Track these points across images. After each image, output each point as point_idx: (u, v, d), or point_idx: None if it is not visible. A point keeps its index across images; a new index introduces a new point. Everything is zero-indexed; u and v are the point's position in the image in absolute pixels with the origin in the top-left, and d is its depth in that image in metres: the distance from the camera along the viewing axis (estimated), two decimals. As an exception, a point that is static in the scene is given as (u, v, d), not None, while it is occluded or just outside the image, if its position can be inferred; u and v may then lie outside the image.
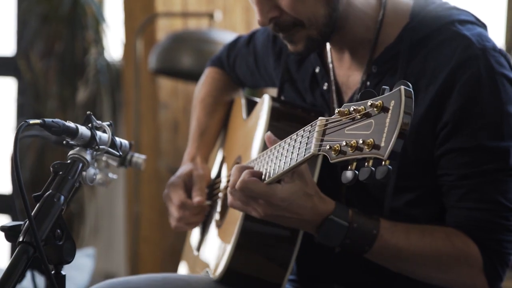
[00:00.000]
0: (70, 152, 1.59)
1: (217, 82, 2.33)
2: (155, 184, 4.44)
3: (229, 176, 2.03)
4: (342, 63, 1.90)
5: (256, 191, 1.63)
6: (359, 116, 1.35)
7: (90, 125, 1.60)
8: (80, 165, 1.58)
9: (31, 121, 1.51)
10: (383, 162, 1.29)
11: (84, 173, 1.60)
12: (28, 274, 2.20)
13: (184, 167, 2.15)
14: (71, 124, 1.56)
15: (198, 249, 2.17)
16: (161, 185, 4.45)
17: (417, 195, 1.80)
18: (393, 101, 1.30)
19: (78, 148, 1.59)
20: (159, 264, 4.46)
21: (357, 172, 1.34)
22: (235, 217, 1.85)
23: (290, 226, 1.70)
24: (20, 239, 1.46)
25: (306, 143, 1.50)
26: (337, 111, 1.39)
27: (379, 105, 1.31)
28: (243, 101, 2.18)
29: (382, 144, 1.28)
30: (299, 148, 1.53)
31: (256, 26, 5.09)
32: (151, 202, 4.46)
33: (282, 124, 1.86)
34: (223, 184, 2.10)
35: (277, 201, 1.62)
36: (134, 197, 4.36)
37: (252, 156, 1.89)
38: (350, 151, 1.34)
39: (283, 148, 1.62)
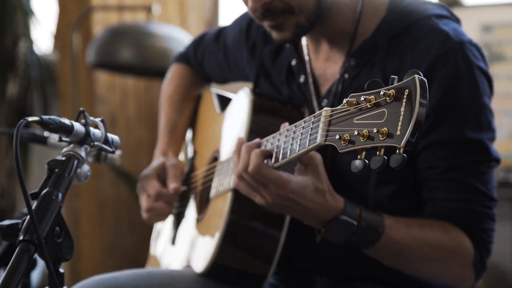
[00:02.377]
0: (64, 149, 1.58)
1: (184, 79, 2.33)
2: (94, 178, 4.39)
3: (208, 169, 2.04)
4: (318, 55, 1.92)
5: (268, 177, 1.61)
6: (369, 106, 1.34)
7: (83, 121, 1.59)
8: (76, 162, 1.57)
9: (30, 119, 1.50)
10: (397, 151, 1.29)
11: (78, 170, 1.59)
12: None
13: (156, 161, 2.15)
14: (66, 121, 1.55)
15: (173, 243, 2.17)
16: (100, 180, 4.41)
17: (397, 188, 1.82)
18: (407, 90, 1.30)
19: (72, 145, 1.58)
20: (99, 260, 4.42)
21: (367, 161, 1.34)
22: (219, 211, 1.85)
23: (296, 218, 1.70)
24: (21, 238, 1.44)
25: (310, 134, 1.49)
26: (345, 101, 1.38)
27: (391, 94, 1.31)
28: (214, 96, 2.19)
29: (398, 133, 1.28)
30: (300, 139, 1.53)
31: (190, 20, 5.05)
32: (90, 197, 4.41)
33: (264, 117, 1.87)
34: (201, 177, 2.11)
35: (287, 192, 1.61)
36: (73, 192, 4.30)
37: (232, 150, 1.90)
38: (361, 140, 1.33)
39: (278, 141, 1.62)
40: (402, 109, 1.30)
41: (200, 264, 1.88)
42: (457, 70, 1.74)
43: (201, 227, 1.98)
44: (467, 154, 1.76)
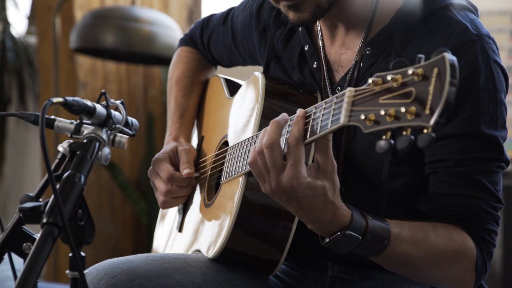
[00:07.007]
0: (86, 132, 1.56)
1: (192, 62, 2.31)
2: (74, 164, 4.35)
3: (218, 154, 2.02)
4: (333, 40, 1.91)
5: (273, 158, 1.55)
6: (395, 85, 1.33)
7: (104, 103, 1.57)
8: (97, 144, 1.55)
9: (55, 100, 1.49)
10: (425, 130, 1.28)
11: (99, 152, 1.57)
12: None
13: (169, 145, 2.13)
14: (88, 103, 1.53)
15: (180, 230, 2.15)
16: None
17: (410, 180, 1.80)
18: (436, 69, 1.28)
19: (93, 127, 1.56)
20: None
21: (392, 141, 1.33)
22: (231, 196, 1.83)
23: (300, 217, 1.62)
24: (44, 220, 1.42)
25: (332, 115, 1.47)
26: (370, 81, 1.37)
27: (420, 73, 1.29)
28: (222, 81, 2.18)
29: (426, 112, 1.27)
30: (321, 120, 1.50)
31: (172, 5, 5.00)
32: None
33: (277, 101, 1.86)
34: (210, 162, 2.09)
35: (301, 179, 1.53)
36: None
37: (244, 134, 1.89)
38: (388, 120, 1.32)
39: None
40: (431, 88, 1.29)
41: (211, 249, 1.86)
42: (475, 63, 1.72)
43: (211, 212, 1.96)
44: (481, 150, 1.72)
